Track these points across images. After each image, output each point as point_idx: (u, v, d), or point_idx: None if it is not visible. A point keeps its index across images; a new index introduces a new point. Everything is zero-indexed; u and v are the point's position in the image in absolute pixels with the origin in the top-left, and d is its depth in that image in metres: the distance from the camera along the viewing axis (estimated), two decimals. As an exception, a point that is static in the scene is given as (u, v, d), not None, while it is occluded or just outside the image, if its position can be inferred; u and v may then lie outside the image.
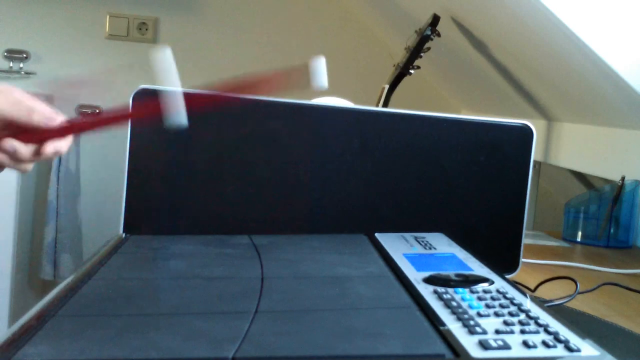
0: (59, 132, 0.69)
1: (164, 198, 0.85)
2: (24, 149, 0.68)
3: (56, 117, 0.69)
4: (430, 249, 0.75)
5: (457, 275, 0.63)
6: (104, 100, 2.49)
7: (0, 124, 0.67)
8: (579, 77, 1.36)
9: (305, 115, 0.88)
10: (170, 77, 0.64)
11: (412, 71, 1.67)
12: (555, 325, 0.50)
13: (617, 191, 1.26)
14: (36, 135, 0.68)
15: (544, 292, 0.86)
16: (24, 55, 2.44)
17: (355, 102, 0.96)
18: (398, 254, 0.72)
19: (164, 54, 0.65)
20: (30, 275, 2.38)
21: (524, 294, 0.58)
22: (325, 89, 0.66)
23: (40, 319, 0.50)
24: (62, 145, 0.71)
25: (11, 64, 2.43)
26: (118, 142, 2.57)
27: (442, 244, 0.78)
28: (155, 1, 2.50)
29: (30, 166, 0.71)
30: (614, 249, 1.25)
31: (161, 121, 0.64)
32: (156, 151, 0.86)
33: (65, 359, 0.43)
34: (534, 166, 1.58)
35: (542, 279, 0.88)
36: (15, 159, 0.68)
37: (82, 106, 2.47)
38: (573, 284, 0.82)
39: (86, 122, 0.75)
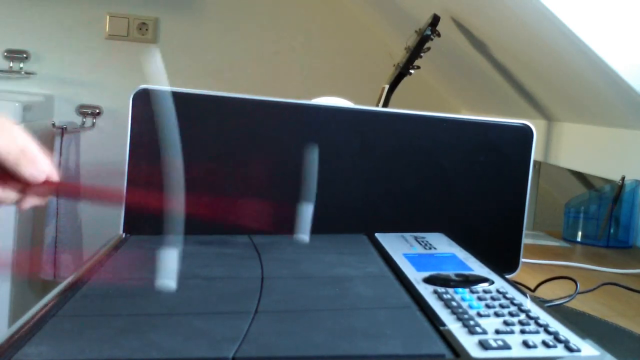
0: (42, 189, 0.65)
1: (164, 198, 0.85)
2: (3, 197, 0.64)
3: (43, 173, 0.64)
4: (430, 249, 0.75)
5: (457, 275, 0.63)
6: (104, 100, 2.49)
7: None
8: (579, 77, 1.36)
9: (305, 115, 0.88)
10: (160, 79, 0.64)
11: (412, 71, 1.67)
12: (555, 325, 0.50)
13: (617, 191, 1.26)
14: (17, 183, 0.64)
15: (544, 292, 0.86)
16: (24, 55, 2.44)
17: (355, 102, 0.96)
18: (398, 254, 0.72)
19: (154, 57, 0.64)
20: (30, 275, 2.38)
21: (524, 294, 0.58)
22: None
23: (40, 319, 0.50)
24: (39, 201, 0.67)
25: (11, 64, 2.43)
26: (118, 142, 2.58)
27: (442, 244, 0.78)
28: (155, 1, 2.50)
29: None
30: (614, 249, 1.25)
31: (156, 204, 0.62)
32: (156, 151, 0.86)
33: (65, 359, 0.43)
34: (534, 166, 1.58)
35: (542, 279, 0.88)
36: None
37: (82, 106, 2.48)
38: (573, 284, 0.82)
39: (72, 187, 0.72)
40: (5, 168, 0.63)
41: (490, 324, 0.49)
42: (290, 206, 0.88)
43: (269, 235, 0.81)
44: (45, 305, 0.53)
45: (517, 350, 0.45)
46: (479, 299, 0.56)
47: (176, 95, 0.84)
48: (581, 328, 0.49)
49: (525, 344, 0.46)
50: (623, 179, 1.26)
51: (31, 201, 0.66)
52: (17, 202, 0.66)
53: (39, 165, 0.64)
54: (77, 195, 0.70)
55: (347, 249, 0.75)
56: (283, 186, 0.87)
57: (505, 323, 0.50)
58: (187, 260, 0.70)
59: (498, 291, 0.58)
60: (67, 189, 0.69)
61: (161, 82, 0.64)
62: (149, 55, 0.63)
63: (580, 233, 1.30)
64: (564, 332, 0.48)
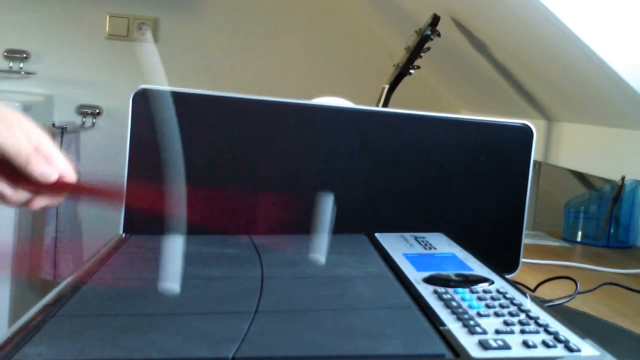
0: (55, 189, 0.63)
1: (164, 198, 0.85)
2: (13, 196, 0.62)
3: (56, 172, 0.62)
4: (430, 249, 0.75)
5: (457, 275, 0.63)
6: (104, 100, 2.49)
7: None
8: (579, 77, 1.36)
9: (305, 115, 0.88)
10: (157, 74, 0.63)
11: (412, 71, 1.67)
12: (555, 325, 0.50)
13: (617, 191, 1.26)
14: (30, 182, 0.62)
15: (544, 292, 0.86)
16: (24, 55, 2.44)
17: (355, 102, 0.96)
18: (398, 254, 0.72)
19: (149, 50, 0.63)
20: (30, 275, 2.38)
21: (524, 294, 0.58)
22: None
23: (40, 319, 0.50)
24: (52, 201, 0.64)
25: (11, 64, 2.43)
26: (118, 142, 2.58)
27: (442, 244, 0.78)
28: (155, 1, 2.50)
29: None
30: (614, 249, 1.25)
31: (157, 209, 0.60)
32: (156, 151, 0.86)
33: (65, 359, 0.43)
34: (534, 166, 1.58)
35: (542, 279, 0.88)
36: (4, 201, 0.62)
37: (82, 106, 2.48)
38: (573, 284, 0.82)
39: (82, 187, 0.68)
40: (17, 167, 0.60)
41: (490, 324, 0.49)
42: (291, 206, 0.88)
43: (269, 235, 0.81)
44: (45, 305, 0.53)
45: (517, 350, 0.45)
46: (479, 299, 0.56)
47: (176, 95, 0.84)
48: (581, 328, 0.49)
49: (525, 344, 0.46)
50: (623, 179, 1.26)
51: (44, 201, 0.64)
52: (28, 202, 0.63)
53: (52, 164, 0.62)
54: (84, 193, 0.68)
55: (347, 249, 0.75)
56: (283, 186, 0.87)
57: (505, 323, 0.50)
58: (187, 260, 0.70)
59: (498, 291, 0.58)
60: (73, 188, 0.66)
61: (159, 80, 0.63)
62: (146, 52, 0.63)
63: (580, 233, 1.30)
64: (564, 332, 0.48)
